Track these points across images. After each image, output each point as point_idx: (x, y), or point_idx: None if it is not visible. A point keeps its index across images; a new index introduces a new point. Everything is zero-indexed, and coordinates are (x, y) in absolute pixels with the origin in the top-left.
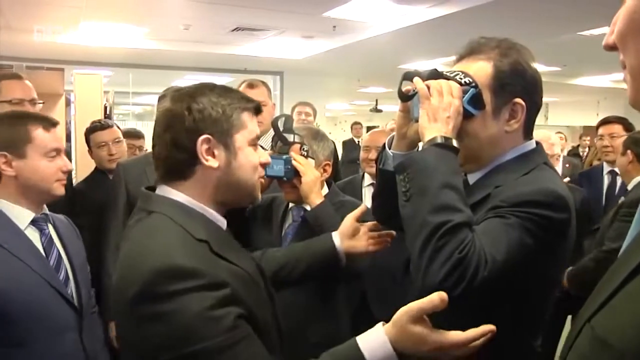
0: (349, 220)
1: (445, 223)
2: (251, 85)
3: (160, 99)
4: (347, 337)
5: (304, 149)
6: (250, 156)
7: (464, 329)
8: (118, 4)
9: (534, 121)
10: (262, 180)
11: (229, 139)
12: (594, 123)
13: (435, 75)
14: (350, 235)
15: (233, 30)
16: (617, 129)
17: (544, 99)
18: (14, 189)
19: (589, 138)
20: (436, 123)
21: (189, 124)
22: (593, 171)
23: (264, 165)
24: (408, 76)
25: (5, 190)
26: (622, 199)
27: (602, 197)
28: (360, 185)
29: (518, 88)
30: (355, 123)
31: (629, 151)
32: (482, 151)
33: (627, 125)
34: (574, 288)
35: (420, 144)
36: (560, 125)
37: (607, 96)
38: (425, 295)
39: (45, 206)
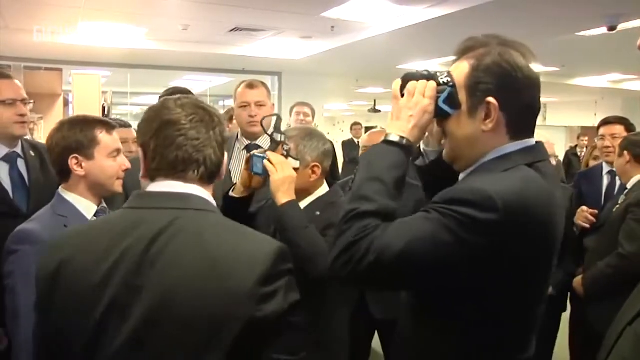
0: None
1: (353, 210)
2: (251, 86)
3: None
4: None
5: (284, 148)
6: None
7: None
8: (116, 4)
9: (524, 121)
10: (257, 178)
11: None
12: (592, 123)
13: (424, 76)
14: None
15: (231, 31)
16: (619, 129)
17: (542, 99)
18: (83, 186)
19: (587, 138)
20: (398, 121)
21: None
22: (592, 171)
23: None
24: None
25: (74, 186)
26: (623, 197)
27: (602, 197)
28: None
29: (492, 87)
30: (355, 123)
31: (625, 152)
32: (461, 150)
33: (628, 126)
34: (591, 294)
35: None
36: (559, 125)
37: (604, 96)
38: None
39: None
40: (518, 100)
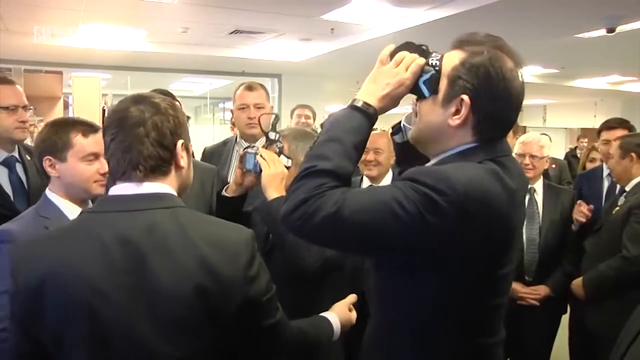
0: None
1: (310, 168)
2: (250, 88)
3: (139, 102)
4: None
5: (277, 146)
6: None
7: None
8: (117, 6)
9: (492, 130)
10: (250, 177)
11: (188, 144)
12: (592, 125)
13: (420, 50)
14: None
15: (231, 33)
16: (621, 133)
17: (542, 101)
18: (60, 188)
19: (587, 139)
20: (372, 85)
21: (172, 127)
22: (593, 173)
23: None
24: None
25: (55, 187)
26: (622, 199)
27: (602, 199)
28: (359, 187)
29: (469, 86)
30: None
31: (633, 154)
32: (425, 135)
33: (630, 129)
34: (592, 296)
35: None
36: (558, 127)
37: (604, 98)
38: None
39: (90, 202)
40: (490, 108)
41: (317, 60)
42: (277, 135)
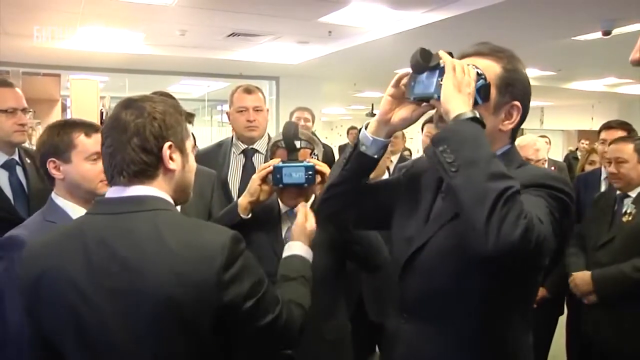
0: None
1: (509, 189)
2: (248, 91)
3: (127, 107)
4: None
5: (314, 153)
6: (193, 160)
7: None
8: (115, 9)
9: (519, 128)
10: (266, 188)
11: (183, 145)
12: (589, 127)
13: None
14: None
15: (229, 36)
16: (621, 134)
17: (540, 103)
18: (65, 190)
19: (588, 142)
20: (461, 95)
21: (156, 131)
22: (591, 176)
23: None
24: (425, 52)
25: (61, 190)
26: (632, 206)
27: None
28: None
29: (518, 92)
30: (352, 128)
31: None
32: None
33: (630, 131)
34: (604, 293)
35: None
36: (556, 129)
37: (601, 100)
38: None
39: None
40: (526, 111)
41: (315, 63)
42: (306, 143)
